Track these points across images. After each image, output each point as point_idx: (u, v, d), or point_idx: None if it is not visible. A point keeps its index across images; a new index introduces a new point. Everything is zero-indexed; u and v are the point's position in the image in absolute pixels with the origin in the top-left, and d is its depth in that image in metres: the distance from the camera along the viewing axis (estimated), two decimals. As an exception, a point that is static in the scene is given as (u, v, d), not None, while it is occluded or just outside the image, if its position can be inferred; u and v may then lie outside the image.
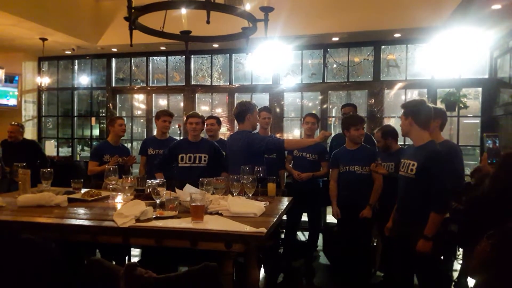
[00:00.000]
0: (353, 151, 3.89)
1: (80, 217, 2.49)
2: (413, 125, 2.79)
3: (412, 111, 2.81)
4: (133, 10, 2.61)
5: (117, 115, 7.95)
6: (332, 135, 6.03)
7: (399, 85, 6.50)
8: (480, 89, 6.23)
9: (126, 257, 3.87)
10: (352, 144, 3.90)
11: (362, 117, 4.05)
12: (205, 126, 4.53)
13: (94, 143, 8.12)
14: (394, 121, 6.74)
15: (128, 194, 2.93)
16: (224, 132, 7.40)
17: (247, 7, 3.29)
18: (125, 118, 8.15)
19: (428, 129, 2.81)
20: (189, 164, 4.00)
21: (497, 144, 2.15)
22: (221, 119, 7.38)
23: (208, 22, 2.38)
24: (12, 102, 7.59)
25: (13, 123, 5.71)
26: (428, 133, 2.80)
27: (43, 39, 6.66)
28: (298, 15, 5.98)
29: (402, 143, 6.28)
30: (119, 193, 2.96)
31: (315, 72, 6.98)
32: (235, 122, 5.11)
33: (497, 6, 4.51)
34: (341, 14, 5.95)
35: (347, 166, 3.88)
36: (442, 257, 3.44)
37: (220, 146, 4.28)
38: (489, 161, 2.11)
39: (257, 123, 4.01)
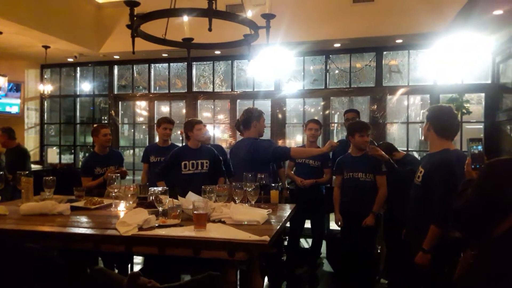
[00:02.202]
0: (357, 157, 3.87)
1: (83, 226, 2.49)
2: (430, 131, 2.73)
3: (432, 116, 2.74)
4: (135, 18, 2.62)
5: (119, 122, 7.97)
6: (335, 141, 6.04)
7: (401, 90, 6.49)
8: (483, 95, 6.21)
9: (129, 265, 3.85)
10: (356, 151, 3.87)
11: (367, 124, 3.98)
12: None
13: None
14: (396, 127, 6.74)
15: (131, 202, 2.93)
16: (226, 138, 7.43)
17: (249, 14, 3.31)
18: (126, 125, 8.28)
19: (445, 138, 2.70)
20: (192, 171, 3.98)
21: (481, 149, 2.11)
22: (223, 125, 7.48)
23: (210, 29, 2.38)
24: (15, 109, 7.61)
25: None
26: (445, 142, 2.70)
27: (46, 47, 6.70)
28: (300, 22, 5.99)
29: (405, 149, 6.28)
30: (122, 201, 2.95)
31: (317, 78, 6.98)
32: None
33: (498, 12, 4.51)
34: (343, 20, 5.96)
35: (351, 172, 3.86)
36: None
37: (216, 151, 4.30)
38: (472, 167, 2.06)
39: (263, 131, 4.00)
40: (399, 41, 6.14)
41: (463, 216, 1.71)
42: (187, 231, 2.25)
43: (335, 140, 6.34)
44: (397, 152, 4.06)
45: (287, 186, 4.82)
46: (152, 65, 7.72)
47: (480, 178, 1.70)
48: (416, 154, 6.31)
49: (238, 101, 7.32)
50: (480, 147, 2.09)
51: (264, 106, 6.97)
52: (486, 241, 1.57)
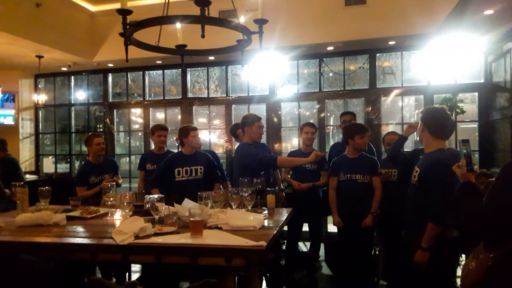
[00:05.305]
0: (354, 159, 3.89)
1: (79, 235, 2.48)
2: (425, 132, 2.79)
3: (425, 117, 2.81)
4: (128, 26, 2.62)
5: (115, 129, 7.95)
6: (331, 143, 6.06)
7: (395, 92, 6.51)
8: (476, 94, 6.24)
9: (127, 274, 3.83)
10: (354, 152, 3.90)
11: (366, 126, 4.08)
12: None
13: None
14: (392, 128, 6.75)
15: (127, 210, 2.91)
16: (222, 143, 7.42)
17: (242, 19, 3.31)
18: (122, 133, 8.26)
19: (440, 138, 2.78)
20: (186, 177, 3.99)
21: (470, 150, 2.13)
22: (219, 130, 7.48)
23: (203, 36, 2.39)
24: (9, 120, 7.58)
25: None
26: (440, 141, 2.77)
27: (39, 57, 6.69)
28: (293, 26, 6.01)
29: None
30: (118, 210, 2.94)
31: (311, 81, 6.99)
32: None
33: (489, 12, 4.54)
34: (335, 23, 5.99)
35: (348, 174, 3.87)
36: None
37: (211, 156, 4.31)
38: (467, 168, 2.07)
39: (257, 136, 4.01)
40: (391, 42, 6.16)
41: (482, 221, 1.66)
42: (184, 239, 2.24)
43: (331, 142, 6.40)
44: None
45: (282, 187, 4.82)
46: (147, 72, 7.72)
47: (500, 182, 1.65)
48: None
49: (233, 106, 7.32)
50: (469, 148, 2.11)
51: (259, 110, 6.98)
52: (509, 244, 1.55)
